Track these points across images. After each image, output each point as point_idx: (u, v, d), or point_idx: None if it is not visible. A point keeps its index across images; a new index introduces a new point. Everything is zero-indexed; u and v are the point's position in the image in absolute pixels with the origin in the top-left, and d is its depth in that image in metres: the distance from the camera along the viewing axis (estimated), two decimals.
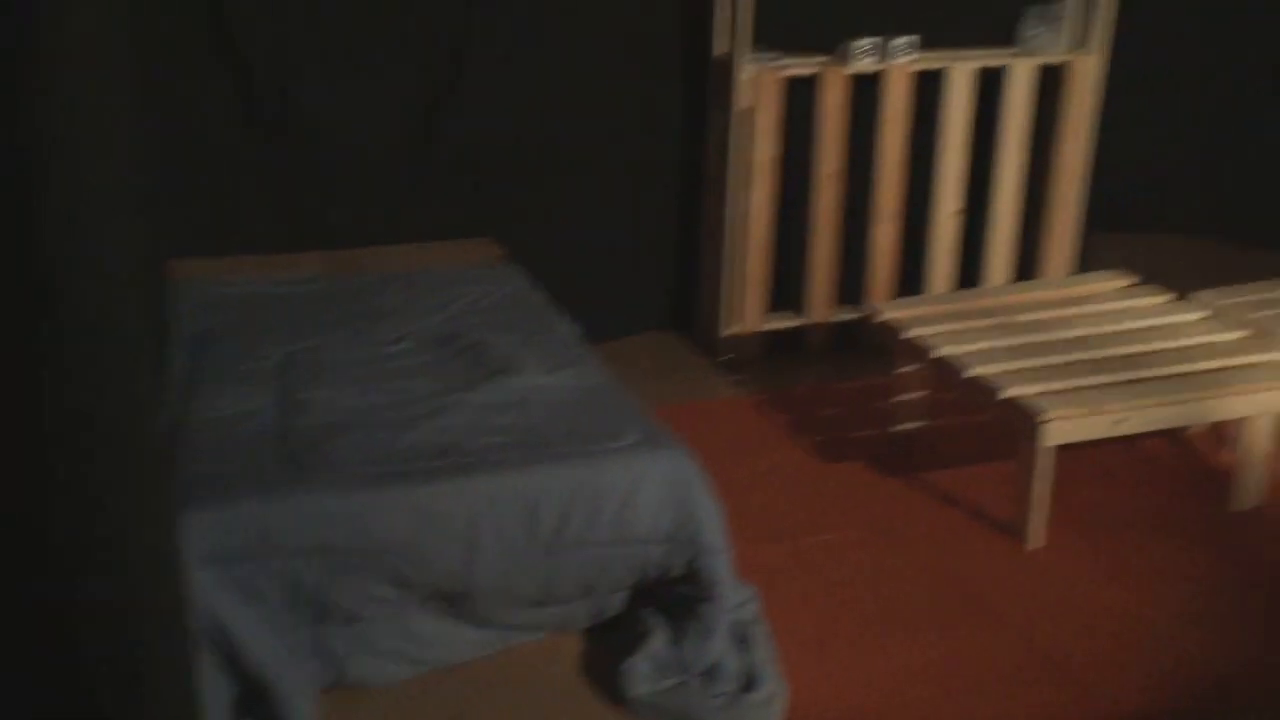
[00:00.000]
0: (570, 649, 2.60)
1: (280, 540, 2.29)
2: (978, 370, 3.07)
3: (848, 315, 4.32)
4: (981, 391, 3.04)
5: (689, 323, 4.43)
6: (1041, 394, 2.96)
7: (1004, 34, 4.28)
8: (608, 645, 2.57)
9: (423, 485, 2.39)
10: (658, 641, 2.52)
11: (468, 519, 2.40)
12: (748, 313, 4.18)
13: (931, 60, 4.10)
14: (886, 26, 4.07)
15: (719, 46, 3.99)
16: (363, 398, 2.72)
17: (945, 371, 3.18)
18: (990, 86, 4.20)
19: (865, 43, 3.99)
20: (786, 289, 4.28)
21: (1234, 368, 3.15)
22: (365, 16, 3.69)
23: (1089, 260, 4.59)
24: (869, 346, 4.33)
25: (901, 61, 4.04)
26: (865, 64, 4.01)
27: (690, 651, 2.49)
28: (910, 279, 4.34)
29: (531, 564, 2.46)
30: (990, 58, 4.17)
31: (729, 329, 4.19)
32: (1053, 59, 4.22)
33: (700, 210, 4.28)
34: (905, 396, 3.62)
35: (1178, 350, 3.24)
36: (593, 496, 2.47)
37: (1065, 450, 3.08)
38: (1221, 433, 3.65)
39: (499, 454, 2.49)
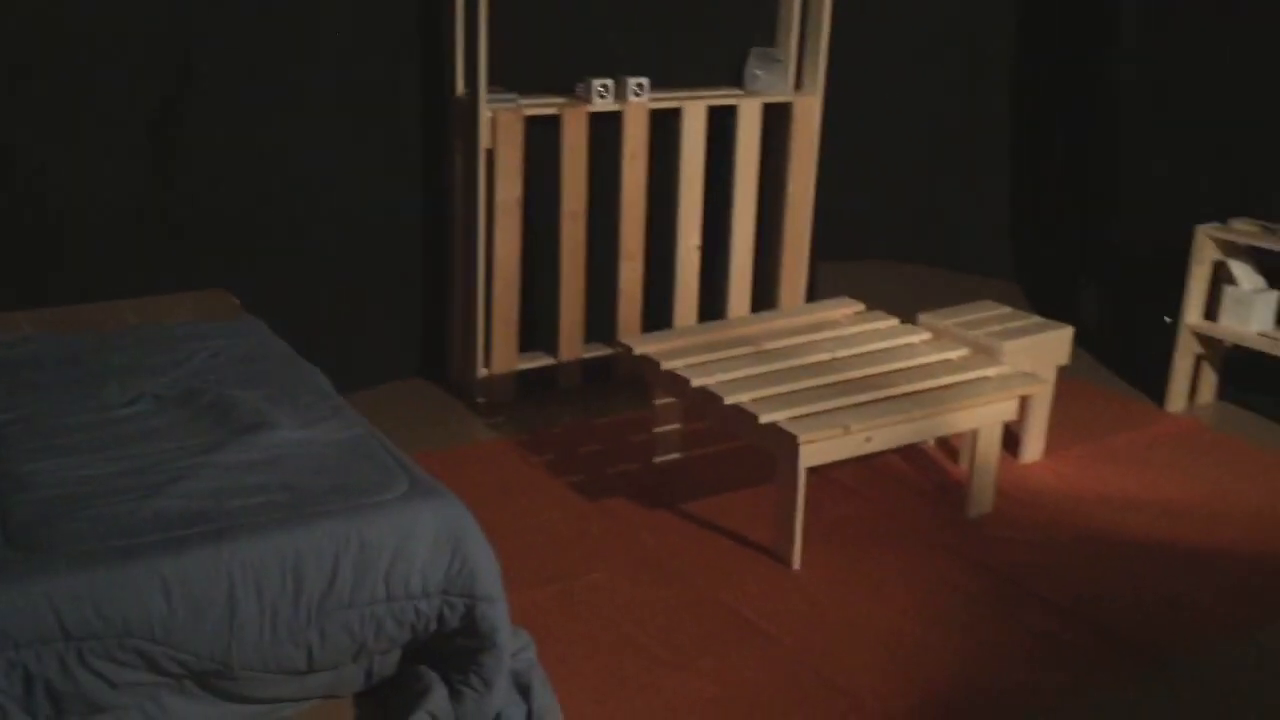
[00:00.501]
0: (343, 716, 2.46)
1: (7, 630, 2.05)
2: (737, 398, 3.15)
3: (599, 352, 4.35)
4: (742, 418, 3.12)
5: (441, 367, 4.34)
6: (797, 418, 3.07)
7: (731, 75, 4.46)
8: (384, 708, 2.45)
9: (172, 556, 2.21)
10: (437, 698, 2.41)
11: (225, 589, 2.23)
12: (500, 354, 4.14)
13: (666, 99, 4.21)
14: (618, 67, 4.16)
15: (458, 88, 3.96)
16: (96, 466, 2.49)
17: (705, 401, 3.25)
18: (721, 126, 4.35)
19: (601, 83, 4.05)
20: (537, 328, 4.28)
21: (962, 383, 3.37)
22: (86, 64, 3.44)
23: (818, 288, 4.82)
24: (621, 382, 4.39)
25: (638, 100, 4.12)
26: (603, 103, 4.07)
27: (472, 705, 2.41)
28: (656, 313, 4.42)
29: (298, 631, 2.31)
30: (720, 97, 4.32)
31: (482, 371, 4.13)
32: (777, 99, 4.42)
33: (447, 253, 4.21)
34: (663, 429, 3.67)
35: (911, 370, 3.44)
36: (361, 553, 2.35)
37: (812, 472, 3.20)
38: (952, 444, 3.90)
39: (256, 516, 2.33)
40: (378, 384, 4.20)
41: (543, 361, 4.27)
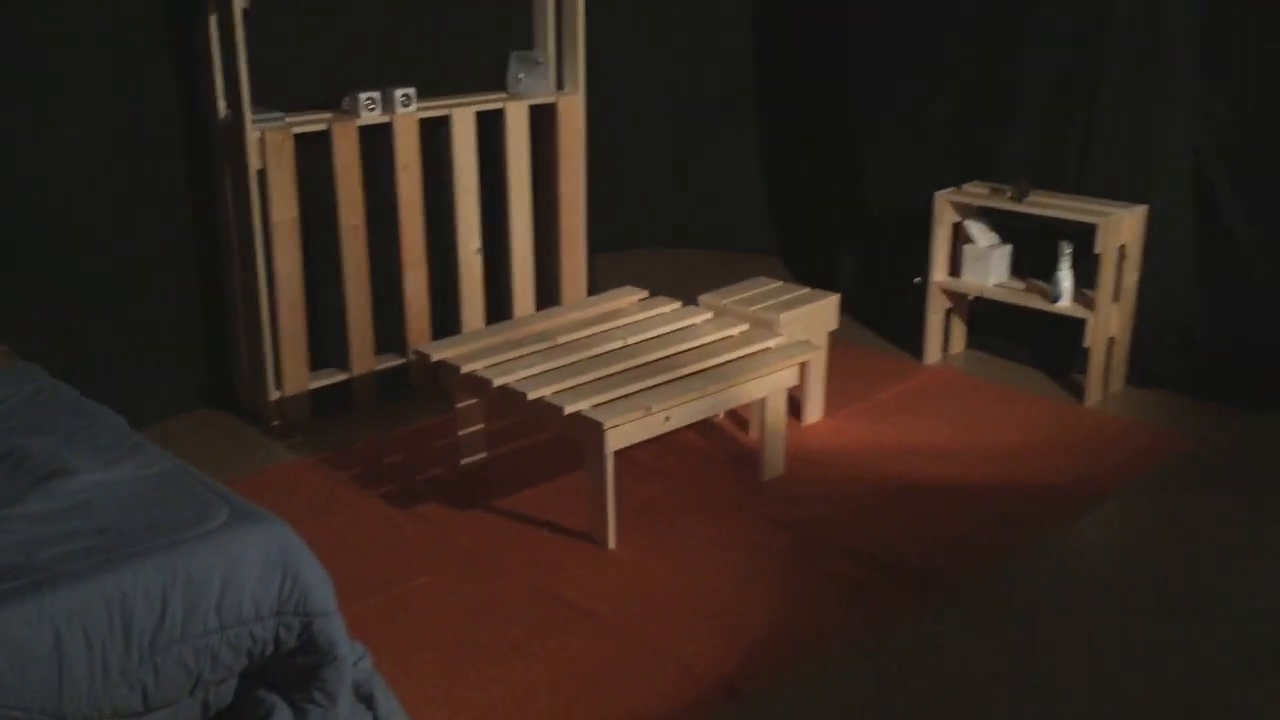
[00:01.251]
0: None
1: None
2: (539, 393, 3.26)
3: (391, 363, 4.37)
4: (547, 411, 3.23)
5: (228, 395, 4.26)
6: (599, 405, 3.21)
7: (495, 80, 4.55)
8: None
9: None
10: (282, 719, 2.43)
11: (51, 640, 2.18)
12: (291, 374, 4.10)
13: (434, 108, 4.26)
14: (380, 79, 4.18)
15: (220, 110, 3.89)
16: None
17: (508, 399, 3.34)
18: (490, 130, 4.44)
19: (368, 95, 4.07)
20: (327, 345, 4.26)
21: (746, 357, 3.60)
22: None
23: (598, 280, 4.98)
24: (416, 391, 4.42)
25: (406, 111, 4.16)
26: (372, 115, 4.09)
27: None
28: (444, 319, 4.47)
29: (131, 672, 2.28)
30: (486, 103, 4.41)
31: (275, 394, 4.08)
32: (541, 100, 4.54)
33: (224, 278, 4.13)
34: (466, 431, 3.74)
35: (698, 349, 3.64)
36: (189, 586, 2.34)
37: (617, 455, 3.34)
38: (741, 415, 4.13)
39: (74, 562, 2.28)
40: (165, 418, 4.09)
41: (336, 378, 4.26)
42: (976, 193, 4.48)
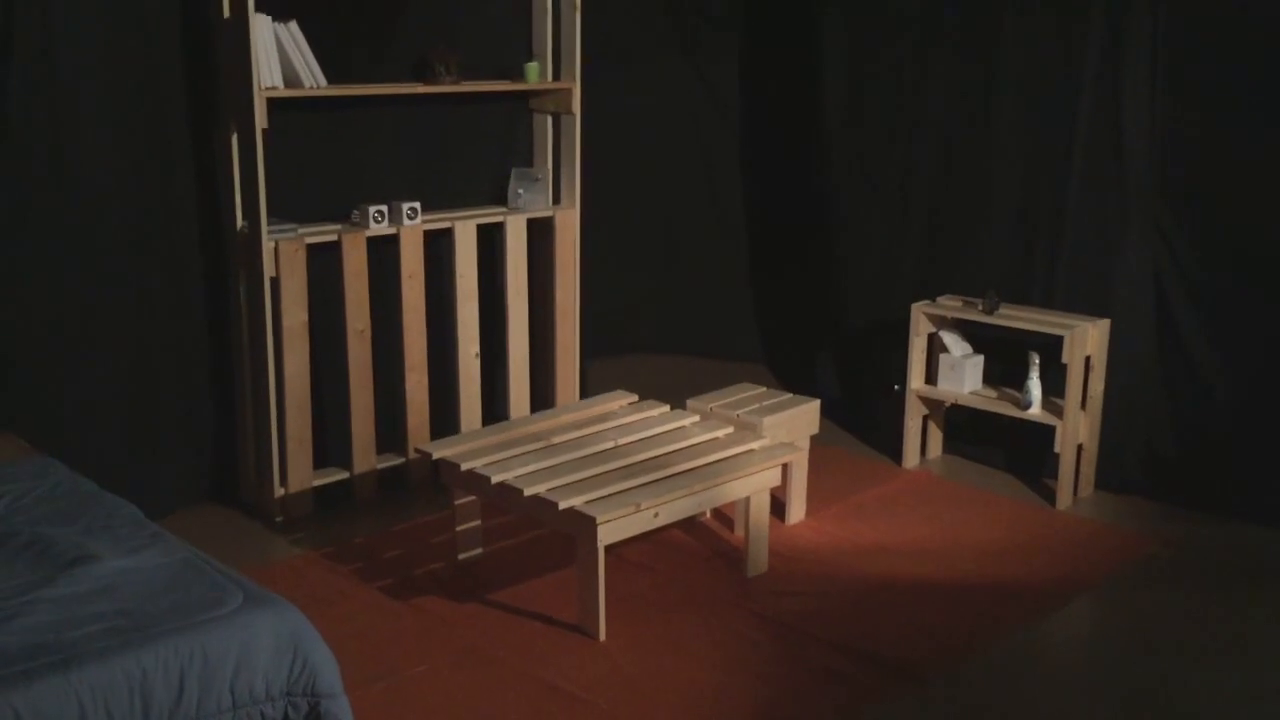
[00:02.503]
0: None
1: None
2: (536, 489, 3.44)
3: (392, 462, 4.55)
4: (543, 507, 3.41)
5: (231, 492, 4.42)
6: (592, 501, 3.39)
7: (496, 195, 4.82)
8: None
9: (21, 689, 2.29)
10: None
11: (77, 714, 2.33)
12: (296, 472, 4.28)
13: (438, 220, 4.52)
14: (388, 193, 4.45)
15: (238, 221, 4.14)
16: None
17: (505, 495, 3.52)
18: (491, 241, 4.70)
19: (377, 209, 4.33)
20: (330, 444, 4.44)
21: (731, 457, 3.79)
22: None
23: (591, 383, 5.20)
24: (415, 489, 4.59)
25: (412, 224, 4.42)
26: (380, 227, 4.34)
27: None
28: (442, 420, 4.67)
29: None
30: (487, 216, 4.67)
31: (279, 490, 4.25)
32: (539, 214, 4.81)
33: (234, 379, 4.33)
34: (464, 526, 3.91)
35: (686, 449, 3.83)
36: (205, 666, 2.49)
37: (607, 551, 3.51)
38: (726, 514, 4.30)
39: (100, 642, 2.44)
40: (171, 512, 4.24)
41: (338, 476, 4.43)
42: (950, 305, 4.73)
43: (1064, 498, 4.47)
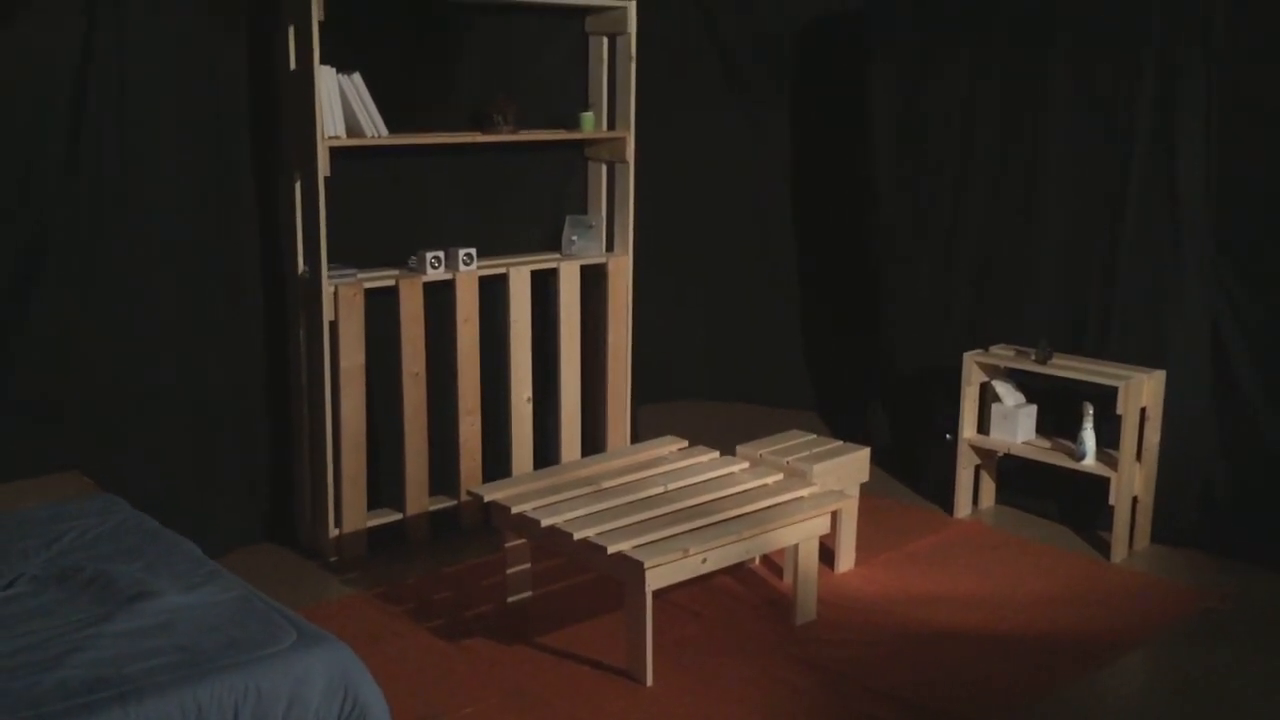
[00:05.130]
0: None
1: None
2: (585, 533, 3.47)
3: (444, 504, 4.61)
4: (591, 551, 3.44)
5: (290, 531, 4.50)
6: (641, 545, 3.41)
7: (551, 241, 4.90)
8: None
9: None
10: None
11: None
12: (350, 513, 4.34)
13: (493, 266, 4.60)
14: (445, 239, 4.54)
15: (299, 266, 4.24)
16: None
17: (555, 539, 3.56)
18: (545, 287, 4.77)
19: (434, 254, 4.41)
20: (384, 486, 4.51)
21: (780, 504, 3.80)
22: None
23: (642, 429, 5.23)
24: (467, 531, 4.64)
25: (468, 269, 4.50)
26: (436, 273, 4.42)
27: None
28: (494, 463, 4.72)
29: None
30: (541, 262, 4.75)
31: (334, 531, 4.32)
32: (592, 260, 4.88)
33: (291, 420, 4.42)
34: (514, 569, 3.94)
35: (735, 496, 3.85)
36: (259, 702, 2.54)
37: (656, 595, 3.52)
38: (775, 561, 4.30)
39: (159, 676, 2.50)
40: (228, 551, 4.32)
41: (391, 517, 4.49)
42: (1003, 355, 4.72)
43: (1119, 550, 4.42)
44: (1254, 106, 4.22)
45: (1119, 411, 4.29)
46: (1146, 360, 4.48)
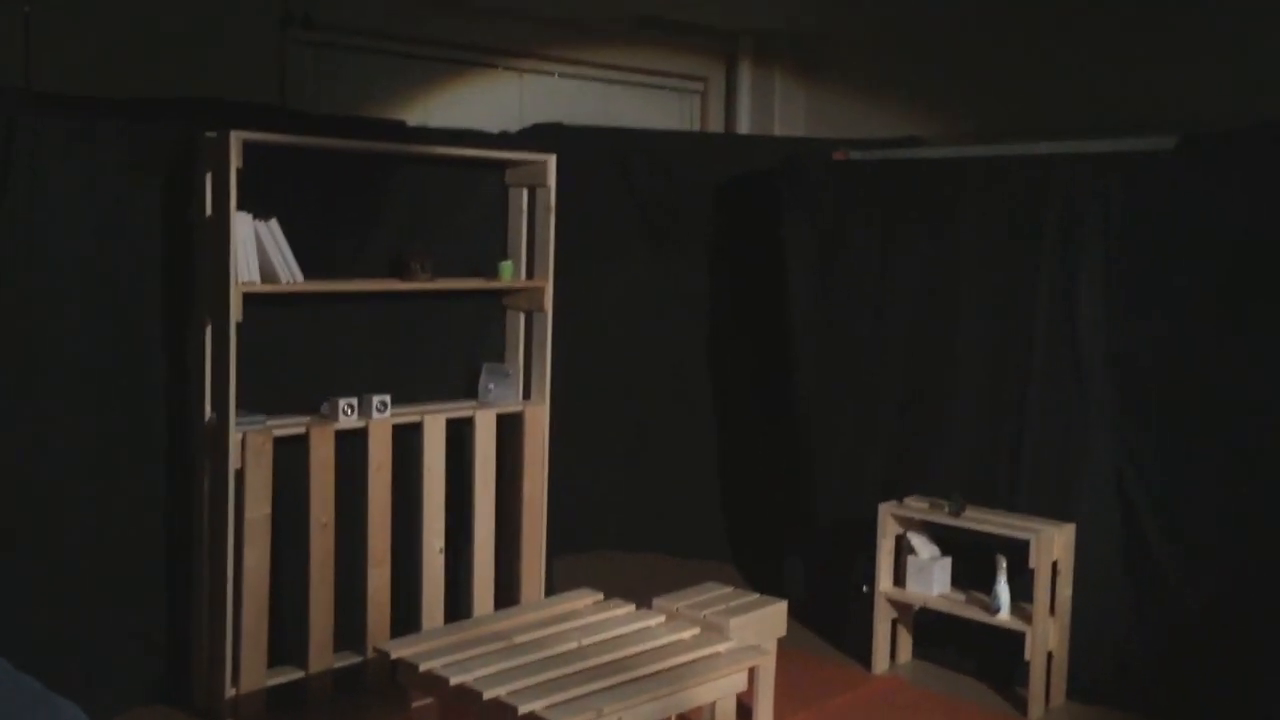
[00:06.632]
0: None
1: None
2: (495, 692, 3.35)
3: (349, 660, 4.43)
4: (502, 711, 3.31)
5: (184, 691, 4.27)
6: (554, 705, 3.30)
7: (467, 389, 4.86)
8: None
9: None
10: None
11: None
12: (249, 673, 4.15)
13: (408, 414, 4.54)
14: (361, 386, 4.48)
15: (207, 413, 4.14)
16: None
17: (464, 698, 3.42)
18: (460, 435, 4.71)
19: (347, 401, 4.35)
20: (286, 641, 4.33)
21: (697, 661, 3.71)
22: None
23: (557, 580, 5.13)
24: (372, 689, 4.45)
25: (381, 417, 4.43)
26: (349, 420, 4.35)
27: None
28: (404, 616, 4.57)
29: None
30: (457, 410, 4.70)
31: (230, 692, 4.11)
32: (508, 409, 4.84)
33: (192, 574, 4.25)
34: None
35: (651, 652, 3.75)
36: None
37: None
38: (693, 719, 4.19)
39: None
40: (118, 714, 4.08)
41: (293, 675, 4.30)
42: (917, 506, 4.75)
43: (1035, 708, 4.38)
44: (1151, 276, 4.39)
45: (1031, 565, 4.32)
46: (1057, 513, 4.54)
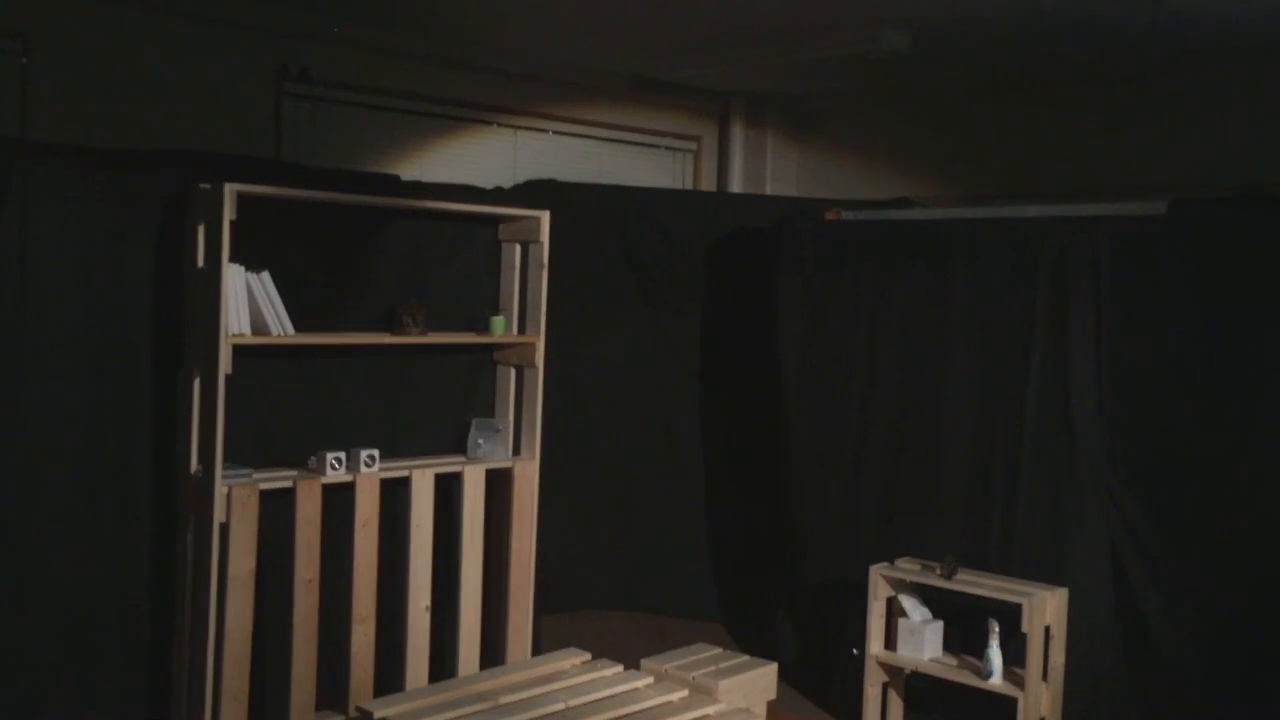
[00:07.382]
0: None
1: None
2: None
3: None
4: None
5: None
6: None
7: (456, 444, 4.83)
8: None
9: None
10: None
11: None
12: None
13: (396, 469, 4.50)
14: (349, 440, 4.44)
15: (193, 466, 4.10)
16: None
17: None
18: (448, 491, 4.67)
19: (334, 455, 4.31)
20: (267, 700, 4.25)
21: None
22: None
23: (545, 640, 5.06)
24: None
25: (369, 471, 4.39)
26: (336, 474, 4.31)
27: None
28: (388, 674, 4.49)
29: None
30: (446, 465, 4.66)
31: None
32: (498, 464, 4.81)
33: (173, 630, 4.18)
34: None
35: (639, 713, 3.71)
36: None
37: None
38: None
39: None
40: None
41: None
42: (908, 569, 4.70)
43: None
44: (1142, 339, 4.40)
45: (1024, 629, 4.27)
46: (1050, 577, 4.50)
